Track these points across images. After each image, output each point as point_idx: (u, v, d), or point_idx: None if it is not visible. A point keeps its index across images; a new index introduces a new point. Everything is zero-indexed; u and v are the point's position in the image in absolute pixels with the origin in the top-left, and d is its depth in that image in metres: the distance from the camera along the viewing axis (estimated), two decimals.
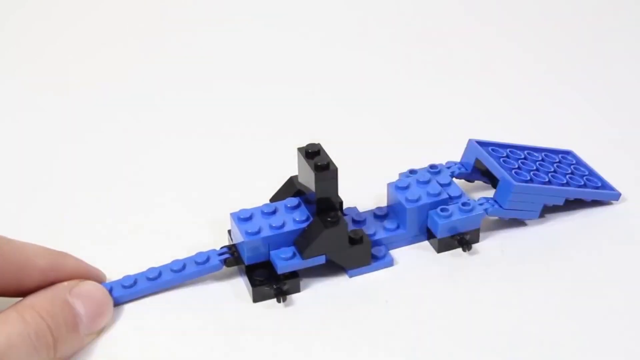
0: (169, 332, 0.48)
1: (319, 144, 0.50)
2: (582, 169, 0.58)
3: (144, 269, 0.50)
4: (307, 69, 0.72)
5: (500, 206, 0.53)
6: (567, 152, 0.59)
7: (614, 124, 0.65)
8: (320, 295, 0.50)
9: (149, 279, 0.50)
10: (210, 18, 0.82)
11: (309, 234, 0.49)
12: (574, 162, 0.59)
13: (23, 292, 0.46)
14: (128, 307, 0.49)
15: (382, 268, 0.52)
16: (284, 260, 0.49)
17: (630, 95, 0.69)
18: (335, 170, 0.49)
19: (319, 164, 0.49)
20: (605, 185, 0.57)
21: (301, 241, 0.50)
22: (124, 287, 0.49)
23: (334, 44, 0.76)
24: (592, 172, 0.58)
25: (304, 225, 0.50)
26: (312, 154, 0.50)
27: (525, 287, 0.50)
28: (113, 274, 0.50)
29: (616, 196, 0.56)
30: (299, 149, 0.50)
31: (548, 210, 0.55)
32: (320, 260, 0.50)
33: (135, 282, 0.50)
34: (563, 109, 0.67)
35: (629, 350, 0.46)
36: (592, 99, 0.68)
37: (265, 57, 0.75)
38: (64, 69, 0.74)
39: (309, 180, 0.50)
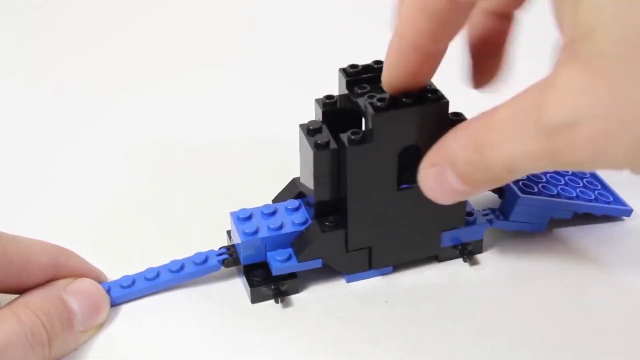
0: (167, 332, 0.49)
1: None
2: (595, 182, 0.58)
3: (143, 269, 0.52)
4: (310, 68, 0.73)
5: (505, 218, 0.54)
6: None
7: None
8: (319, 296, 0.52)
9: (147, 279, 0.51)
10: (213, 18, 0.83)
11: (306, 237, 0.51)
12: (587, 175, 0.59)
13: (25, 289, 0.48)
14: (126, 307, 0.51)
15: (380, 274, 0.53)
16: (279, 262, 0.51)
17: None
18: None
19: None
20: (617, 201, 0.57)
21: (298, 244, 0.51)
22: (123, 287, 0.51)
23: (334, 45, 0.76)
24: (605, 186, 0.58)
25: (302, 228, 0.51)
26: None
27: (525, 289, 0.52)
28: (112, 274, 0.52)
29: (628, 212, 0.57)
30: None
31: (555, 224, 0.56)
32: (317, 263, 0.51)
33: (133, 282, 0.51)
34: None
35: (629, 351, 0.48)
36: None
37: (269, 57, 0.76)
38: (64, 69, 0.76)
39: (308, 170, 0.50)
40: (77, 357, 0.48)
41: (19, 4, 0.86)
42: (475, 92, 0.50)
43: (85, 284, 0.50)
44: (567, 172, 0.59)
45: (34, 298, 0.47)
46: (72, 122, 0.69)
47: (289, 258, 0.51)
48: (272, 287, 0.51)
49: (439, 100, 0.49)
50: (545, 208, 0.55)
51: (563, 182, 0.57)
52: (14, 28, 0.83)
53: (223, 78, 0.74)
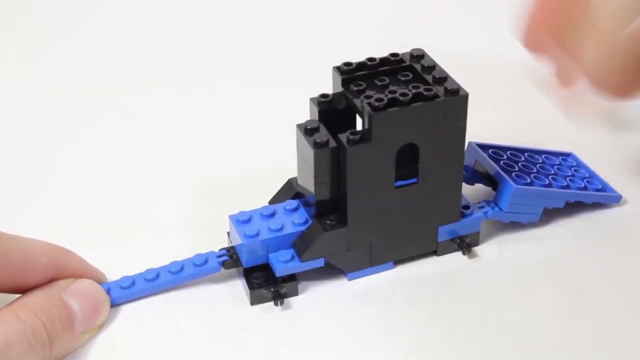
0: (167, 334, 0.48)
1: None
2: (583, 171, 0.57)
3: (142, 270, 0.50)
4: (307, 70, 0.71)
5: (501, 209, 0.52)
6: (568, 155, 0.59)
7: (615, 125, 0.64)
8: (319, 298, 0.50)
9: (147, 280, 0.49)
10: (210, 18, 0.82)
11: (308, 237, 0.49)
12: (575, 164, 0.58)
13: (24, 289, 0.46)
14: (126, 308, 0.49)
15: (381, 271, 0.51)
16: (283, 263, 0.49)
17: None
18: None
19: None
20: (606, 188, 0.56)
21: (300, 244, 0.49)
22: (122, 288, 0.49)
23: (333, 47, 0.75)
24: (592, 175, 0.57)
25: (303, 228, 0.49)
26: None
27: (525, 289, 0.50)
28: (111, 275, 0.50)
29: (617, 199, 0.56)
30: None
31: (549, 213, 0.54)
32: (319, 263, 0.49)
33: (133, 283, 0.49)
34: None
35: (630, 352, 0.46)
36: None
37: (264, 58, 0.75)
38: (64, 69, 0.74)
39: (308, 170, 0.49)
40: (77, 358, 0.46)
41: (19, 4, 0.85)
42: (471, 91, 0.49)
43: (86, 285, 0.48)
44: (556, 161, 0.58)
45: (34, 298, 0.46)
46: (72, 122, 0.67)
47: (292, 258, 0.49)
48: (272, 289, 0.49)
49: (435, 98, 0.47)
50: (538, 198, 0.53)
51: (553, 171, 0.56)
52: (14, 28, 0.81)
53: (221, 79, 0.72)
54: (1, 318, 0.44)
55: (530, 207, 0.53)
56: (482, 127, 0.63)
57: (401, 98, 0.46)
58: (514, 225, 0.54)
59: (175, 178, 0.60)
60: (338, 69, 0.50)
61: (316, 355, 0.46)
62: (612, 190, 0.56)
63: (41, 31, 0.80)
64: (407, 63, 0.50)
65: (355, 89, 0.48)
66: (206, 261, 0.50)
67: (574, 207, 0.55)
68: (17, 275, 0.45)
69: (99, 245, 0.54)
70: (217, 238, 0.52)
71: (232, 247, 0.51)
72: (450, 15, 0.80)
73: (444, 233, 0.51)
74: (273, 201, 0.52)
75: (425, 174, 0.49)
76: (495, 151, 0.55)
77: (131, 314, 0.49)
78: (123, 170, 0.61)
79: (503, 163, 0.54)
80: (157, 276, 0.49)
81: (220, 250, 0.51)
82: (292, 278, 0.49)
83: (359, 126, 0.50)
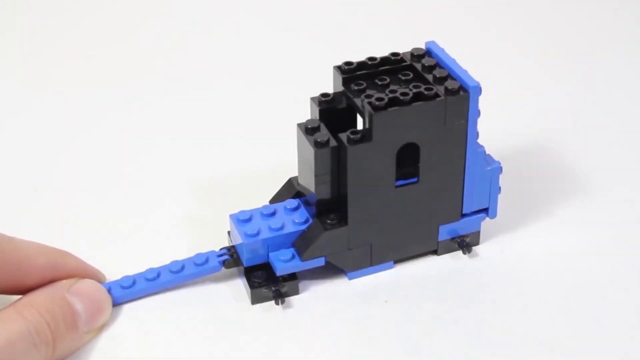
0: (168, 333, 0.48)
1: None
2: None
3: (143, 270, 0.50)
4: (308, 68, 0.71)
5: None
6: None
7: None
8: (319, 297, 0.50)
9: (148, 280, 0.49)
10: (209, 17, 0.82)
11: (308, 236, 0.49)
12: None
13: (22, 290, 0.46)
14: (127, 307, 0.49)
15: (381, 270, 0.51)
16: (283, 262, 0.49)
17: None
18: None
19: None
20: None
21: (300, 243, 0.49)
22: (123, 287, 0.49)
23: (334, 46, 0.75)
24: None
25: (304, 227, 0.49)
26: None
27: (525, 289, 0.50)
28: (112, 275, 0.50)
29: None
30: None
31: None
32: (319, 262, 0.49)
33: (134, 283, 0.49)
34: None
35: (630, 351, 0.46)
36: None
37: (265, 57, 0.75)
38: (64, 69, 0.74)
39: (308, 169, 0.49)
40: (79, 357, 0.46)
41: (19, 4, 0.85)
42: None
43: (89, 285, 0.48)
44: None
45: (38, 297, 0.46)
46: (72, 122, 0.67)
47: (292, 258, 0.49)
48: (273, 288, 0.49)
49: (436, 97, 0.47)
50: None
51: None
52: (14, 28, 0.81)
53: (222, 78, 0.72)
54: (6, 317, 0.44)
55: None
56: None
57: (402, 97, 0.46)
58: (514, 225, 0.54)
59: (175, 178, 0.60)
60: (339, 68, 0.49)
61: (316, 354, 0.46)
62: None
63: (41, 31, 0.80)
64: (408, 62, 0.50)
65: (355, 88, 0.48)
66: (207, 260, 0.50)
67: (575, 207, 0.55)
68: (15, 275, 0.45)
69: (99, 245, 0.54)
70: (217, 237, 0.52)
71: (233, 246, 0.51)
72: (451, 14, 0.80)
73: (444, 232, 0.51)
74: (273, 200, 0.52)
75: (425, 174, 0.49)
76: None
77: (132, 313, 0.49)
78: (123, 170, 0.61)
79: None
80: (158, 276, 0.49)
81: (220, 249, 0.51)
82: (292, 277, 0.49)
83: (359, 125, 0.50)
